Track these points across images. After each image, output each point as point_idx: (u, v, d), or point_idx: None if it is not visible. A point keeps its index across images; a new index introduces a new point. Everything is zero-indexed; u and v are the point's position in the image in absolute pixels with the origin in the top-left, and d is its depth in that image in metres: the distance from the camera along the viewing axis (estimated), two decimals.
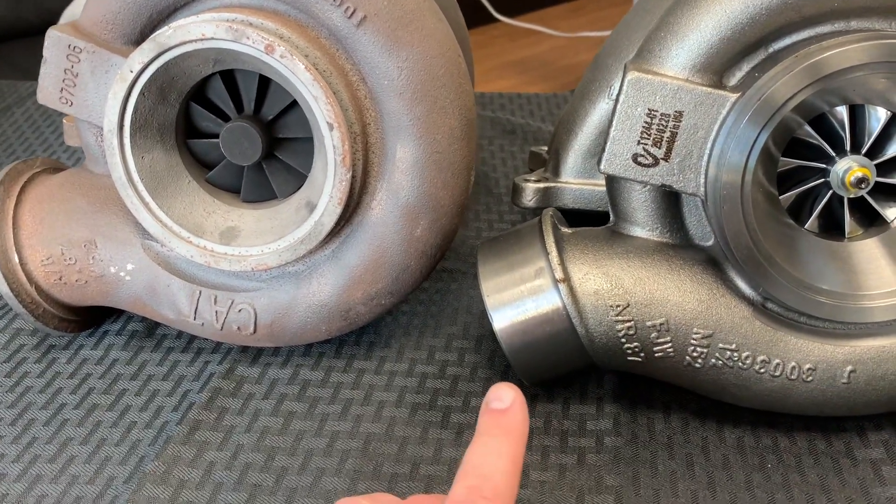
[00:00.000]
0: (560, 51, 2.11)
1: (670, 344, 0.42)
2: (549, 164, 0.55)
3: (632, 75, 0.41)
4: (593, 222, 0.47)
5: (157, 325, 0.52)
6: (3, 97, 0.80)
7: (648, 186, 0.43)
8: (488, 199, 0.65)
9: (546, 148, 0.59)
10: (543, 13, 2.26)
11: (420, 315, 0.53)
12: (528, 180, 0.54)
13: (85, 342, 0.50)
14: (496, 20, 2.08)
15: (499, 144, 0.72)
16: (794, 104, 0.39)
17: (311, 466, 0.42)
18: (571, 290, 0.42)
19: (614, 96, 0.45)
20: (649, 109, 0.41)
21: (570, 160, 0.54)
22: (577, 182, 0.54)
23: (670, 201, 0.43)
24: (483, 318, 0.52)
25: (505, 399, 0.34)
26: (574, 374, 0.46)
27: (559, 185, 0.54)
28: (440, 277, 0.56)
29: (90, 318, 0.51)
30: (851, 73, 0.38)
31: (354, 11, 0.41)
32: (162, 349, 0.50)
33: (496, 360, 0.49)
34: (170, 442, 0.43)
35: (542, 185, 0.54)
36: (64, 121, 0.50)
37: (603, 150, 0.42)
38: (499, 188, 0.66)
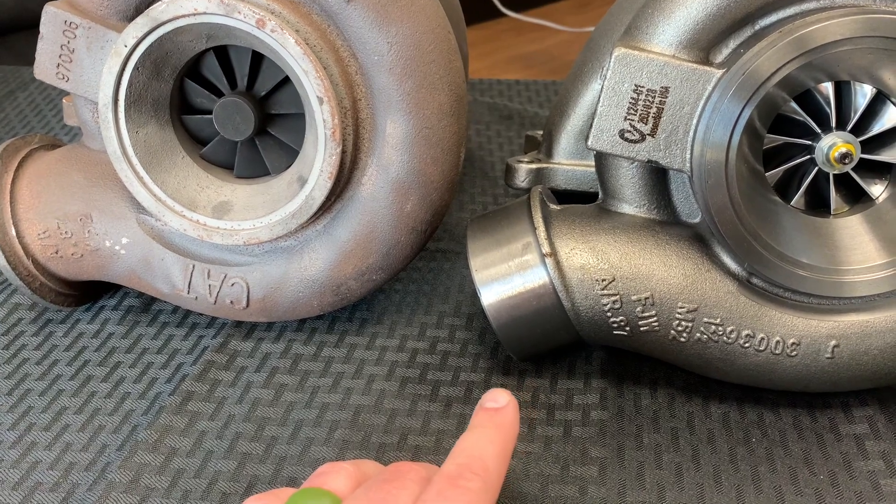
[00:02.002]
0: (566, 46, 2.11)
1: (655, 318, 0.42)
2: (543, 145, 0.56)
3: (618, 51, 0.41)
4: (586, 203, 0.47)
5: (152, 301, 0.52)
6: (7, 82, 0.81)
7: (635, 163, 0.43)
8: (484, 183, 0.65)
9: (542, 132, 0.60)
10: (550, 8, 2.27)
11: (412, 293, 0.53)
12: (521, 161, 0.55)
13: (82, 317, 0.51)
14: (503, 14, 2.08)
15: (495, 129, 0.72)
16: (778, 79, 0.39)
17: (301, 436, 0.43)
18: (558, 264, 0.43)
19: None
20: (636, 85, 0.41)
21: (562, 141, 0.54)
22: (569, 163, 0.54)
23: (657, 178, 0.44)
24: (475, 296, 0.53)
25: (500, 401, 0.36)
26: (562, 349, 0.46)
27: (552, 165, 0.54)
28: (433, 257, 0.57)
29: (87, 294, 0.52)
30: (836, 47, 0.38)
31: None
32: (157, 324, 0.51)
33: (486, 336, 0.50)
34: (162, 412, 0.44)
35: (534, 165, 0.54)
36: (63, 100, 0.51)
37: (591, 126, 0.42)
38: (494, 171, 0.67)
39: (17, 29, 1.29)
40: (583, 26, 2.07)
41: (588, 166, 0.53)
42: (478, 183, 0.65)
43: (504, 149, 0.70)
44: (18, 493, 0.40)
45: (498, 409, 0.36)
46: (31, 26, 1.28)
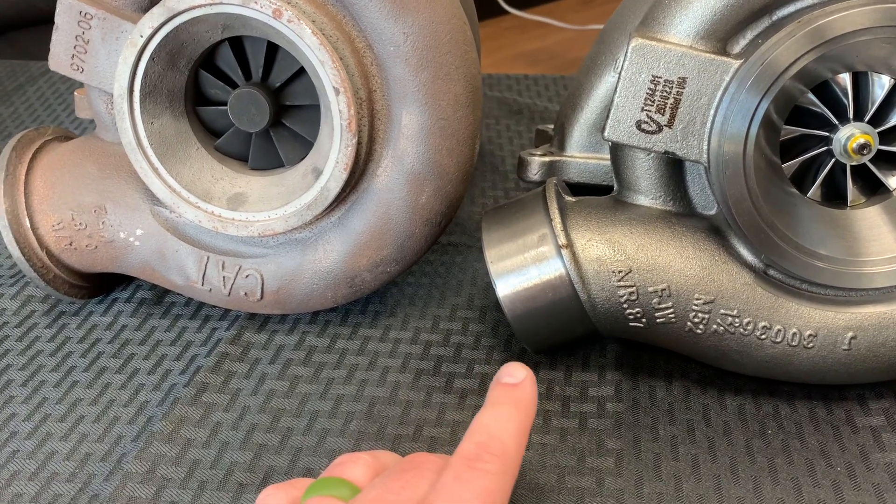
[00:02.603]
0: (569, 43, 2.11)
1: (672, 310, 0.42)
2: (555, 138, 0.56)
3: (636, 42, 0.41)
4: (599, 196, 0.47)
5: (166, 293, 0.52)
6: (16, 76, 0.81)
7: (652, 154, 0.43)
8: (494, 177, 0.65)
9: (552, 126, 0.60)
10: (553, 6, 2.26)
11: (425, 286, 0.53)
12: (533, 154, 0.55)
13: (95, 308, 0.51)
14: (506, 12, 2.08)
15: (505, 124, 0.72)
16: (795, 70, 0.39)
17: (316, 427, 0.43)
18: (574, 256, 0.43)
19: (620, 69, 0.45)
20: (653, 76, 0.41)
21: (575, 134, 0.54)
22: (581, 156, 0.54)
23: (674, 169, 0.44)
24: (488, 289, 0.53)
25: (517, 376, 0.35)
26: (577, 341, 0.46)
27: (564, 158, 0.54)
28: (446, 251, 0.57)
29: (100, 286, 0.51)
30: (853, 37, 0.38)
31: None
32: (170, 316, 0.51)
33: (500, 329, 0.50)
34: (177, 403, 0.44)
35: (547, 158, 0.54)
36: (75, 93, 0.51)
37: (607, 117, 0.42)
38: (505, 166, 0.67)
39: (21, 26, 1.29)
40: (586, 24, 2.07)
41: (601, 159, 0.53)
42: (488, 177, 0.65)
43: (514, 143, 0.70)
44: (35, 483, 0.40)
45: (516, 384, 0.34)
46: (34, 23, 1.28)
